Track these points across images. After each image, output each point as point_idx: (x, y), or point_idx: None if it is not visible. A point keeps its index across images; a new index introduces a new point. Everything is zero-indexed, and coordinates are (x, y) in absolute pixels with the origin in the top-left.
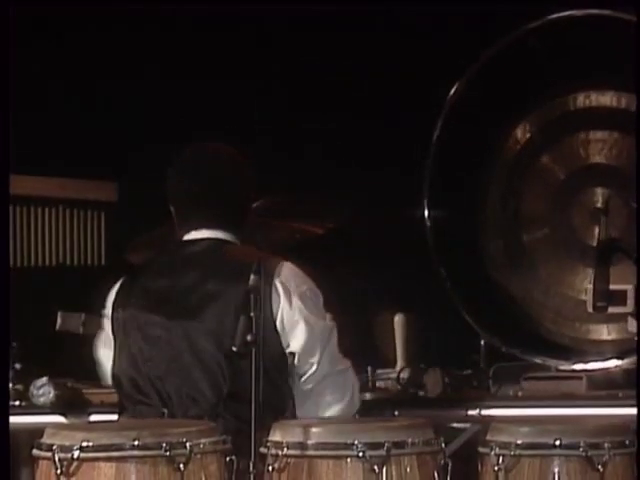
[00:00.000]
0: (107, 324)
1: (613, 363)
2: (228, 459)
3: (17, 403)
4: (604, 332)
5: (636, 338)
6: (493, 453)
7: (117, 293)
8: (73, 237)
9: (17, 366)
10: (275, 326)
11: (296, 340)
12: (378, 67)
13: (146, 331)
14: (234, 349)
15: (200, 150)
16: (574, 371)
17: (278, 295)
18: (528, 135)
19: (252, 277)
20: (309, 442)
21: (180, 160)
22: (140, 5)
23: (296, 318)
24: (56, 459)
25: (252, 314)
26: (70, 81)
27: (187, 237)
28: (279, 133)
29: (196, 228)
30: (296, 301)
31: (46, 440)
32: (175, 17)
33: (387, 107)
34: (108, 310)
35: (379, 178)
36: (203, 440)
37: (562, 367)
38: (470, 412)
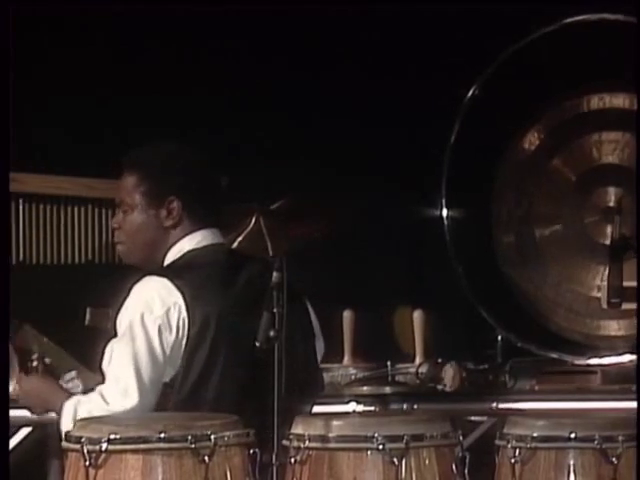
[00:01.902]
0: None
1: (627, 358)
2: (251, 451)
3: None
4: (615, 328)
5: (636, 338)
6: (510, 446)
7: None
8: (102, 235)
9: (47, 360)
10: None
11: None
12: (398, 69)
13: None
14: (257, 344)
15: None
16: (589, 366)
17: None
18: (542, 136)
19: (275, 274)
20: (330, 435)
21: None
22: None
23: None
24: (85, 451)
25: (275, 310)
26: (99, 83)
27: (204, 237)
28: (296, 132)
29: (206, 227)
30: None
31: (75, 433)
32: (192, 15)
33: (406, 109)
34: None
35: (398, 178)
36: (227, 433)
37: (577, 362)
38: (487, 406)
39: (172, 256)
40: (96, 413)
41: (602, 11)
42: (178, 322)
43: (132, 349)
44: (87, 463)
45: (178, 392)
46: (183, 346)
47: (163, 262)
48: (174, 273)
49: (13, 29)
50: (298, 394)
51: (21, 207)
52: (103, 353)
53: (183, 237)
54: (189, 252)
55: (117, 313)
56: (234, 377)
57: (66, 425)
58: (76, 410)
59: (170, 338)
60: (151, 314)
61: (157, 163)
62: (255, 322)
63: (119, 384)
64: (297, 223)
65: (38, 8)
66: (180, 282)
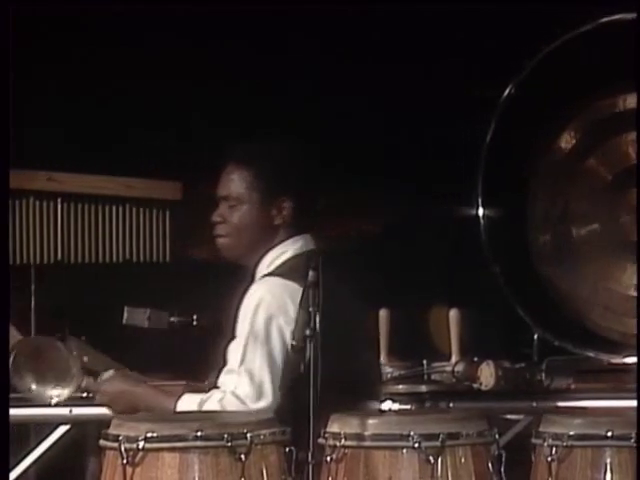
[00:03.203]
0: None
1: None
2: (287, 450)
3: (85, 395)
4: None
5: (636, 338)
6: (546, 444)
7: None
8: (139, 234)
9: (85, 359)
10: None
11: None
12: (434, 68)
13: None
14: (293, 343)
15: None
16: (625, 364)
17: None
18: (578, 135)
19: (310, 273)
20: (366, 433)
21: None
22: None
23: None
24: (122, 449)
25: (311, 309)
26: (137, 84)
27: (306, 242)
28: (331, 133)
29: (306, 231)
30: None
31: (112, 431)
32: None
33: (443, 109)
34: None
35: (435, 178)
36: (263, 431)
37: (613, 360)
38: (523, 404)
39: (274, 257)
40: (235, 409)
41: (637, 10)
42: None
43: (267, 350)
44: (124, 461)
45: (299, 393)
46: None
47: (260, 260)
48: (298, 276)
49: (13, 29)
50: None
51: (59, 207)
52: (224, 354)
53: (286, 239)
54: (295, 257)
55: (236, 312)
56: (342, 378)
57: None
58: (204, 406)
59: None
60: (285, 316)
61: (275, 161)
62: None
63: (254, 384)
64: (334, 222)
65: (38, 8)
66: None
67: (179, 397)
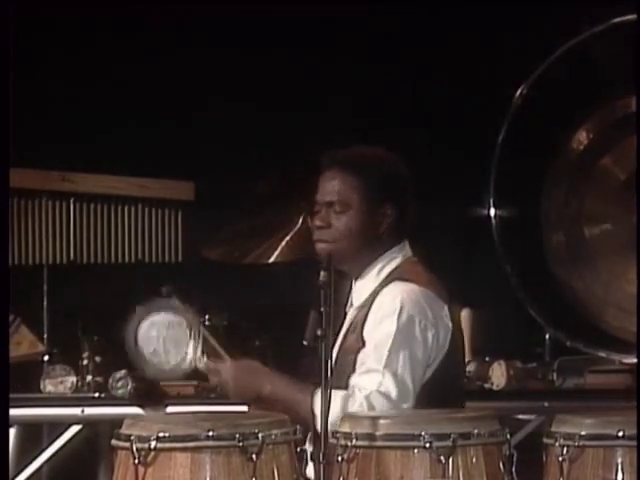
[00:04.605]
0: None
1: None
2: (299, 449)
3: (97, 395)
4: None
5: (636, 338)
6: (557, 444)
7: None
8: (152, 235)
9: (97, 359)
10: None
11: None
12: (448, 67)
13: None
14: (305, 343)
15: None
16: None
17: None
18: (591, 135)
19: (322, 273)
20: (377, 433)
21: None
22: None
23: None
24: (134, 449)
25: (322, 309)
26: (151, 85)
27: (408, 248)
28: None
29: (406, 237)
30: None
31: (124, 431)
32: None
33: (454, 109)
34: None
35: (447, 177)
36: (275, 431)
37: (625, 360)
38: (535, 404)
39: (384, 263)
40: (378, 409)
41: (637, 10)
42: (446, 328)
43: (410, 352)
44: (136, 461)
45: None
46: (443, 353)
47: (368, 266)
48: (423, 282)
49: (13, 29)
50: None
51: (72, 207)
52: (354, 357)
53: (392, 247)
54: (405, 262)
55: (367, 314)
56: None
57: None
58: (348, 404)
59: (436, 344)
60: (425, 319)
61: (382, 168)
62: None
63: (398, 383)
64: None
65: (38, 8)
66: (438, 292)
67: (312, 392)
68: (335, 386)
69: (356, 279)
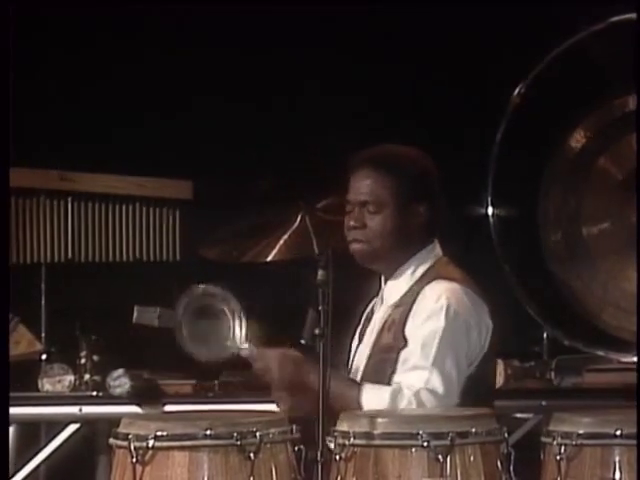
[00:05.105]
0: None
1: None
2: (297, 448)
3: (95, 393)
4: None
5: (636, 338)
6: (555, 443)
7: None
8: (150, 234)
9: (95, 358)
10: None
11: None
12: (443, 68)
13: None
14: (302, 342)
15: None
16: (635, 363)
17: None
18: (589, 135)
19: (320, 272)
20: (375, 432)
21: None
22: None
23: None
24: (132, 448)
25: (320, 308)
26: (149, 83)
27: (439, 247)
28: (340, 132)
29: (436, 237)
30: None
31: (122, 429)
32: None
33: (452, 107)
34: None
35: (444, 176)
36: (272, 430)
37: (623, 359)
38: (532, 403)
39: (418, 263)
40: (428, 405)
41: (636, 10)
42: (487, 328)
43: (456, 350)
44: (134, 460)
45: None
46: (483, 352)
47: (401, 266)
48: (467, 282)
49: (13, 29)
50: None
51: (70, 206)
52: (398, 351)
53: (424, 246)
54: (437, 262)
55: (407, 312)
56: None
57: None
58: (396, 400)
59: (478, 343)
60: (470, 317)
61: (415, 167)
62: None
63: (445, 381)
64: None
65: (38, 8)
66: (476, 290)
67: (359, 386)
68: (372, 382)
69: (388, 278)
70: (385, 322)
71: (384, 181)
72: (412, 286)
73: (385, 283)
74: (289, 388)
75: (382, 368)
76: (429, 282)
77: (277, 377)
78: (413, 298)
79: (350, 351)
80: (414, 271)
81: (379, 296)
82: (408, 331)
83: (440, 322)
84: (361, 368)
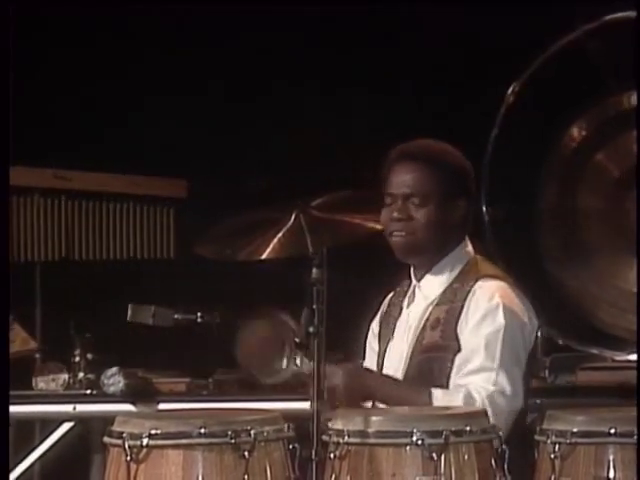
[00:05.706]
0: None
1: None
2: (291, 447)
3: (89, 392)
4: None
5: (636, 338)
6: (549, 441)
7: None
8: (144, 232)
9: (89, 356)
10: None
11: None
12: (439, 65)
13: None
14: (297, 340)
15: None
16: (629, 361)
17: None
18: (584, 133)
19: (314, 270)
20: (369, 430)
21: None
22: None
23: None
24: (126, 446)
25: (314, 307)
26: (142, 82)
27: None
28: (336, 130)
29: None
30: None
31: (116, 428)
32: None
33: (447, 104)
34: None
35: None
36: (267, 428)
37: (618, 357)
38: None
39: (455, 259)
40: (500, 409)
41: (637, 10)
42: (534, 325)
43: (517, 349)
44: (128, 458)
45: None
46: (530, 349)
47: (439, 261)
48: (506, 280)
49: (13, 29)
50: None
51: (64, 204)
52: (453, 354)
53: (459, 242)
54: (472, 259)
55: (458, 311)
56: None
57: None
58: (469, 405)
59: (530, 341)
60: (524, 316)
61: (455, 162)
62: None
63: (511, 381)
64: (338, 220)
65: (38, 8)
66: (518, 292)
67: (430, 393)
68: (416, 383)
69: (423, 273)
70: (427, 320)
71: (429, 174)
72: (452, 283)
73: (417, 278)
74: (358, 402)
75: (429, 367)
76: (475, 280)
77: (343, 394)
78: (461, 296)
79: (365, 344)
80: (452, 268)
81: (410, 291)
82: (461, 331)
83: (499, 321)
84: (401, 367)
